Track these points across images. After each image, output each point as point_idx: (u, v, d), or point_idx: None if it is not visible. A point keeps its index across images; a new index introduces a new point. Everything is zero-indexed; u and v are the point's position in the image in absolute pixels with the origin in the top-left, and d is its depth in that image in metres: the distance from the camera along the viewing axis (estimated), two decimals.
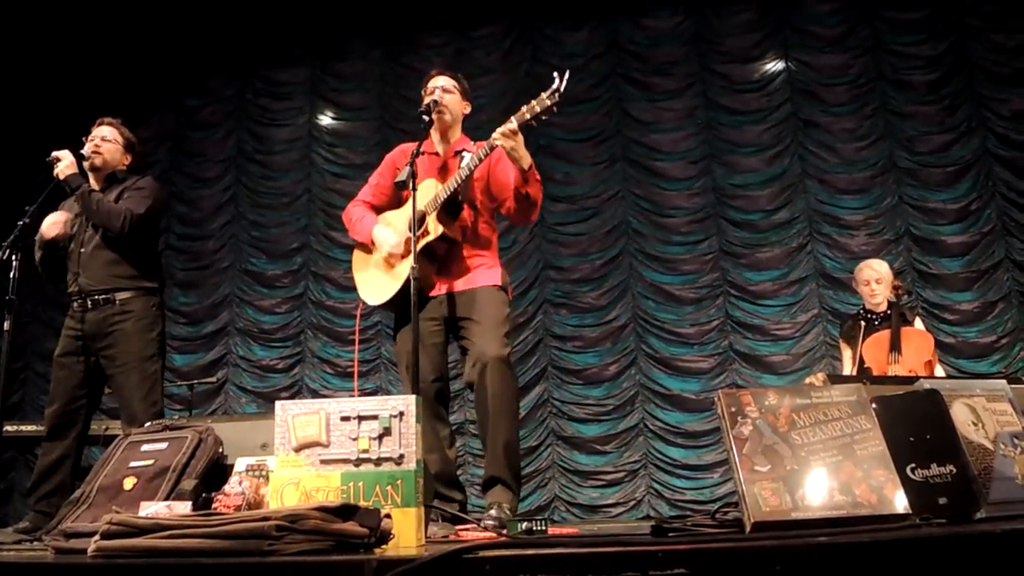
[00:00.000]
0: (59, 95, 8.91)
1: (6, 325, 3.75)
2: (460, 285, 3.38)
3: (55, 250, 4.06)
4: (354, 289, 3.58)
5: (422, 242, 3.26)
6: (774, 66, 8.82)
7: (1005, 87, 8.23)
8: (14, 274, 3.75)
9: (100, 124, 4.18)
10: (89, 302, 3.91)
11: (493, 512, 3.06)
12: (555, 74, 3.11)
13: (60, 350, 3.95)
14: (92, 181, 4.09)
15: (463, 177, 3.28)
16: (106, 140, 4.12)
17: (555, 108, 3.13)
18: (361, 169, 8.61)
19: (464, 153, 3.39)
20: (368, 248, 3.59)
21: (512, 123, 3.14)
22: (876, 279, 4.97)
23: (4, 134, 8.74)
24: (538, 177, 3.31)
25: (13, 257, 3.78)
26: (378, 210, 3.64)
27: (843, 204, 8.39)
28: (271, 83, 9.72)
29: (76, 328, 3.92)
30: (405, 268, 3.30)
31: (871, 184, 8.35)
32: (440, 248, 3.36)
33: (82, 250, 3.95)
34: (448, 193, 3.29)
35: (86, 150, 4.05)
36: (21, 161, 8.15)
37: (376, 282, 3.50)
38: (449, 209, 3.36)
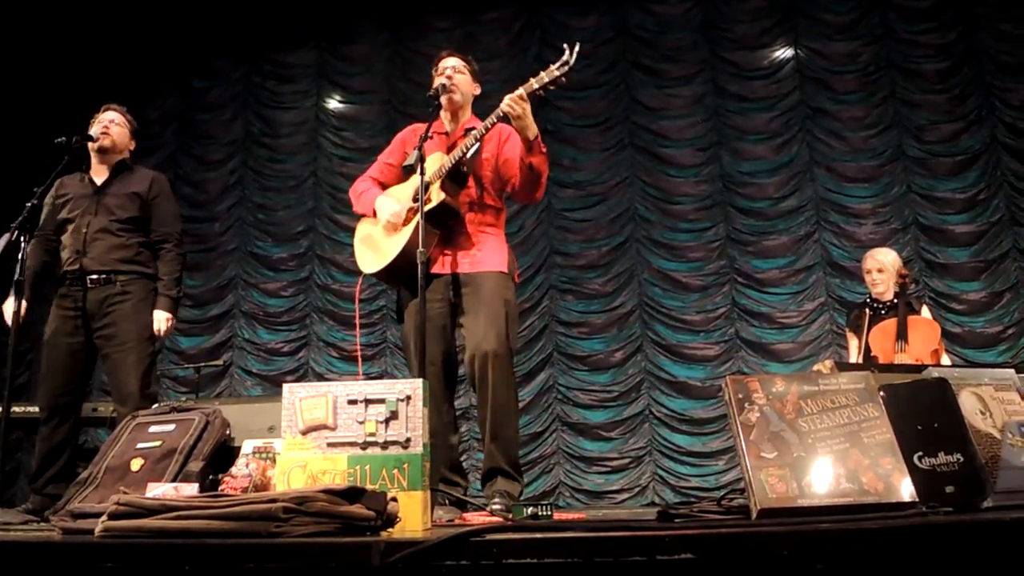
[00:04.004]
0: (67, 77, 8.90)
1: (14, 306, 3.74)
2: (465, 266, 3.34)
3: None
4: (360, 273, 3.56)
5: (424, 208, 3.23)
6: (783, 53, 8.79)
7: (1014, 76, 8.20)
8: (22, 256, 3.72)
9: (106, 110, 4.18)
10: (89, 281, 3.90)
11: (499, 497, 3.05)
12: (565, 46, 3.14)
13: (53, 329, 3.92)
14: (100, 166, 4.08)
15: (468, 146, 3.26)
16: (114, 123, 4.12)
17: (564, 79, 3.14)
18: (368, 153, 8.60)
19: (472, 131, 3.38)
20: (371, 220, 3.55)
21: (520, 90, 3.15)
22: (878, 268, 4.94)
23: (12, 117, 8.73)
24: (544, 149, 3.28)
25: (22, 239, 3.75)
26: (385, 187, 3.62)
27: (851, 192, 8.37)
28: (278, 66, 9.70)
29: (74, 307, 3.89)
30: (402, 238, 3.29)
31: (879, 173, 8.34)
32: (443, 218, 3.31)
33: (85, 231, 3.94)
34: (453, 162, 3.27)
35: (95, 131, 4.04)
36: (29, 143, 8.16)
37: (373, 251, 3.47)
38: (454, 179, 3.32)
